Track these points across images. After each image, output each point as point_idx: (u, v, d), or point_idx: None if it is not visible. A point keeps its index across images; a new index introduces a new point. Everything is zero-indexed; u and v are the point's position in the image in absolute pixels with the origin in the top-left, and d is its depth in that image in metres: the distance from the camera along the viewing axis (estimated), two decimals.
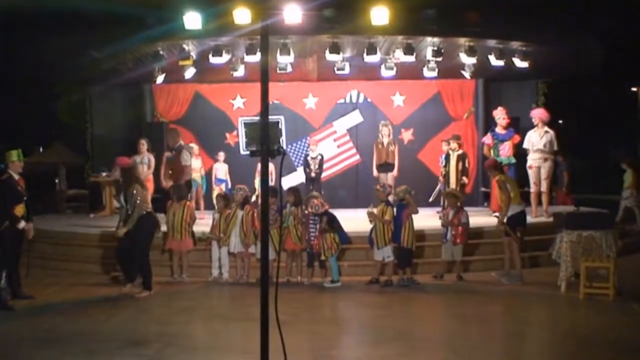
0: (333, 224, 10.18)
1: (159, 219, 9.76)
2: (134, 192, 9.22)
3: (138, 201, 9.20)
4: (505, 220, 10.15)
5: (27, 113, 22.40)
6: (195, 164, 14.20)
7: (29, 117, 23.14)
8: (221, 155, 14.85)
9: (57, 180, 19.45)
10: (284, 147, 4.65)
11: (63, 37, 12.47)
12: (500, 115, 13.56)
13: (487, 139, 13.72)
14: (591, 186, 16.67)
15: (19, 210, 8.89)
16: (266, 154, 4.33)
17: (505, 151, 13.35)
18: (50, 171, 20.08)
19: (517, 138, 13.42)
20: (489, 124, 16.23)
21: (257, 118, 4.46)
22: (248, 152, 4.52)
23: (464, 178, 13.58)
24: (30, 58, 13.67)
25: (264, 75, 4.36)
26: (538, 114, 13.15)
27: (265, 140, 4.30)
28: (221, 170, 14.77)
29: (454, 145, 13.79)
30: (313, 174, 14.05)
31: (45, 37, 12.85)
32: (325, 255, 10.10)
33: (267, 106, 4.33)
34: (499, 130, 13.52)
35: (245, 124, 4.31)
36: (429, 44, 12.75)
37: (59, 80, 14.64)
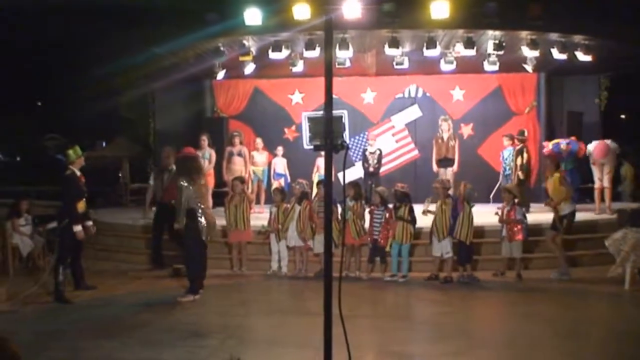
0: (412, 214, 10.19)
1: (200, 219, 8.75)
2: (182, 186, 8.63)
3: (181, 197, 8.61)
4: (561, 214, 10.01)
5: (89, 107, 22.91)
6: (260, 158, 14.46)
7: (91, 111, 23.64)
8: (280, 150, 14.96)
9: (120, 174, 19.85)
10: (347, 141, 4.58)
11: (126, 32, 12.74)
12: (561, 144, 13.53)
13: (547, 151, 13.58)
14: None
15: (81, 205, 9.08)
16: (330, 148, 4.32)
17: (565, 158, 13.24)
18: (113, 165, 20.49)
19: (582, 150, 13.23)
20: (551, 119, 15.95)
21: (321, 112, 4.44)
22: (311, 147, 4.52)
23: (520, 173, 13.34)
24: (93, 52, 13.99)
25: (328, 69, 4.35)
26: (595, 151, 12.82)
27: (329, 134, 4.30)
28: (280, 164, 14.87)
29: (515, 140, 13.68)
30: (371, 169, 14.00)
31: (108, 33, 13.14)
32: (393, 242, 10.11)
33: (332, 100, 4.32)
34: (563, 153, 13.39)
35: (309, 118, 4.29)
36: (490, 37, 12.57)
37: (122, 75, 14.95)
